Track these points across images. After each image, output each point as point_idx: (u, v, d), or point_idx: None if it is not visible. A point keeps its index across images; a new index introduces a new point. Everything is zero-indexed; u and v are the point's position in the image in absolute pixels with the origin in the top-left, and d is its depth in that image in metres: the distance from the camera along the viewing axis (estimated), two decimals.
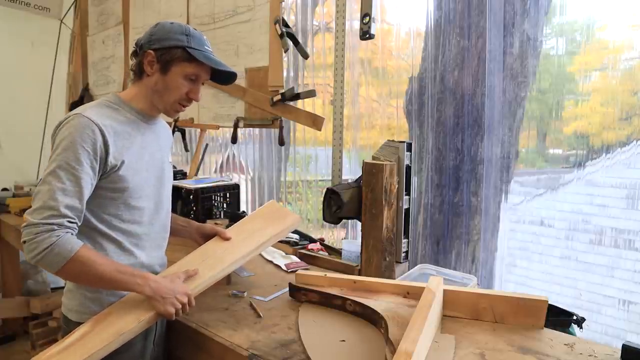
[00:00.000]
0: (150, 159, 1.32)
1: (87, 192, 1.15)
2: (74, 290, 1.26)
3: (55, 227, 1.08)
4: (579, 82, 1.83)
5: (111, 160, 1.18)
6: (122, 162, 1.21)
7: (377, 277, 1.65)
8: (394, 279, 1.71)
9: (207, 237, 1.53)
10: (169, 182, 1.44)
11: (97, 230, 1.23)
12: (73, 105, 3.85)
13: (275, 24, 2.26)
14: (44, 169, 1.17)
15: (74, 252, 1.08)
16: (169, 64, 1.24)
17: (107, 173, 1.19)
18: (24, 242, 1.08)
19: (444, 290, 1.31)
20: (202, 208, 2.44)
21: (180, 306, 1.19)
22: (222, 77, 1.37)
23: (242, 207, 2.75)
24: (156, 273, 1.34)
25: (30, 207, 1.10)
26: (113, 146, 1.18)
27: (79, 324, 1.22)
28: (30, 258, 1.08)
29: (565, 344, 1.17)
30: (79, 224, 1.15)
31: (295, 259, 2.04)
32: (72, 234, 1.12)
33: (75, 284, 1.26)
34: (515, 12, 1.93)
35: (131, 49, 1.35)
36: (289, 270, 1.89)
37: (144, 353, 1.31)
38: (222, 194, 2.54)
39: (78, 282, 1.21)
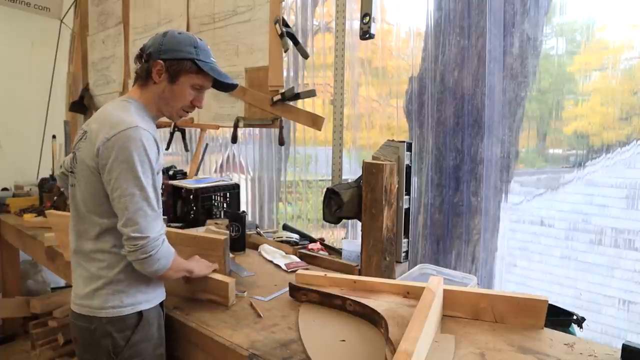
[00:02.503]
0: None
1: None
2: (104, 287, 1.28)
3: (164, 237, 1.26)
4: (579, 82, 1.83)
5: (157, 167, 1.27)
6: (160, 167, 1.30)
7: (377, 277, 1.65)
8: (394, 279, 1.71)
9: None
10: None
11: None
12: (73, 105, 3.85)
13: (275, 23, 2.26)
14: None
15: (173, 251, 1.30)
16: (178, 74, 1.32)
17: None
18: (150, 255, 1.20)
19: (444, 290, 1.31)
20: (202, 208, 2.45)
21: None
22: (223, 86, 1.45)
23: (242, 207, 2.75)
24: None
25: (130, 219, 1.19)
26: (161, 154, 1.29)
27: (108, 318, 1.27)
28: (154, 265, 1.22)
29: (565, 344, 1.17)
30: None
31: (295, 258, 2.04)
32: None
33: (105, 282, 1.28)
34: (515, 12, 1.93)
35: (132, 49, 1.41)
36: (289, 270, 1.89)
37: (160, 342, 1.39)
38: (222, 194, 2.54)
39: (166, 278, 1.34)
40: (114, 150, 1.19)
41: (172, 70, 1.31)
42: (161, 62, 1.30)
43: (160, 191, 1.28)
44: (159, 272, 1.25)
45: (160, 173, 1.32)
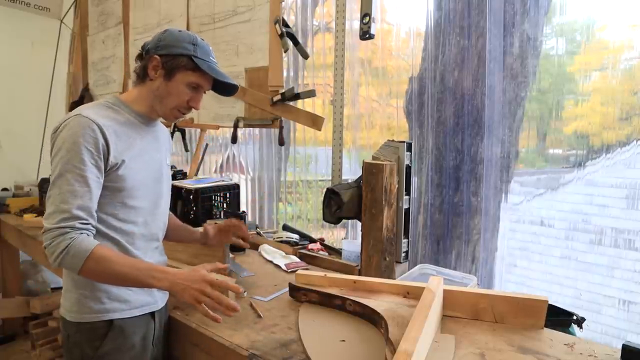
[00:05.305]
0: (149, 160, 1.33)
1: (97, 190, 1.18)
2: (72, 290, 1.26)
3: (68, 230, 1.10)
4: (579, 82, 1.83)
5: (112, 159, 1.19)
6: (123, 162, 1.22)
7: (377, 277, 1.65)
8: (394, 279, 1.71)
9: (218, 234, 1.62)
10: (167, 184, 1.46)
11: (95, 228, 1.23)
12: (73, 105, 3.85)
13: (275, 24, 2.26)
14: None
15: (89, 252, 1.09)
16: (174, 70, 1.27)
17: (107, 172, 1.20)
18: (44, 247, 1.12)
19: (444, 290, 1.31)
20: (202, 208, 2.44)
21: (200, 294, 1.12)
22: (223, 89, 1.39)
23: (242, 207, 2.75)
24: None
25: (44, 212, 1.14)
26: (113, 145, 1.20)
27: (77, 324, 1.24)
28: (51, 262, 1.12)
29: (565, 344, 1.17)
30: (94, 223, 1.17)
31: (295, 259, 2.04)
32: (87, 234, 1.14)
33: (73, 284, 1.26)
34: (515, 12, 1.93)
35: (132, 49, 1.38)
36: (289, 270, 1.89)
37: (143, 354, 1.32)
38: (222, 194, 2.54)
39: (99, 280, 1.20)
40: (57, 141, 1.18)
41: (167, 66, 1.26)
42: (157, 57, 1.26)
43: (99, 179, 1.17)
44: (72, 270, 1.12)
45: (123, 161, 1.22)
